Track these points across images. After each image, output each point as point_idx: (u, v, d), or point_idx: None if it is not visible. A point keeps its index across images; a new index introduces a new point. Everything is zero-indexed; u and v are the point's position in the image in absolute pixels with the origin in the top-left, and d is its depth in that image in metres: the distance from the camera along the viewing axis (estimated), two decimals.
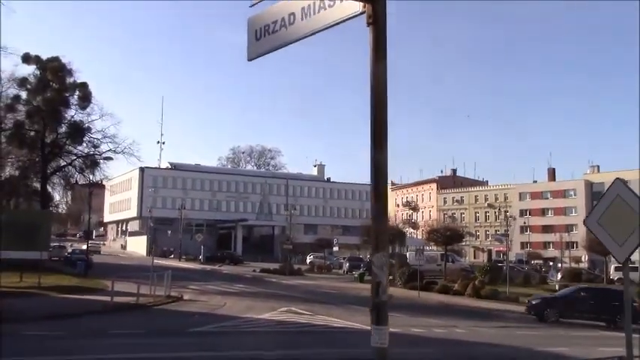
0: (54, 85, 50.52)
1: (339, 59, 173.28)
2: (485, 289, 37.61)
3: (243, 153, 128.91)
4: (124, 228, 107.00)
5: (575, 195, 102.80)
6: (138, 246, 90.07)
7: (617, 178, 7.90)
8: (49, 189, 53.10)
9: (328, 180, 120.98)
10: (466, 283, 38.46)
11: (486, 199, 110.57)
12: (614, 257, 7.86)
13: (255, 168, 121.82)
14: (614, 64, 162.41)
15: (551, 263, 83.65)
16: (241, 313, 24.05)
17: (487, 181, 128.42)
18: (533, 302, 29.66)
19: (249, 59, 4.91)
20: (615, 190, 7.79)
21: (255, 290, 36.96)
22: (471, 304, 33.66)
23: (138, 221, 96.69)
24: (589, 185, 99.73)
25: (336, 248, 72.92)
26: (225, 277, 43.00)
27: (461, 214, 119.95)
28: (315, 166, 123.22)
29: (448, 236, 48.13)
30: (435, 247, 57.08)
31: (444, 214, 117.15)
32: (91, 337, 17.69)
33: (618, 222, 7.67)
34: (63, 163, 53.17)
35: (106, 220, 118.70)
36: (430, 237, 50.16)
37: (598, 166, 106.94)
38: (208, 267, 63.10)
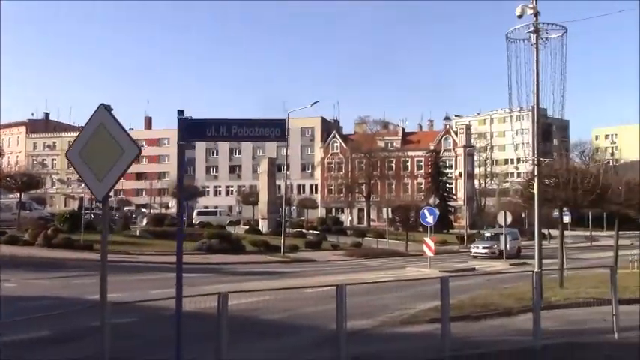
0: None
1: None
2: (58, 237, 35.46)
3: None
4: None
5: (168, 144, 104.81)
6: None
7: (102, 104, 6.97)
8: None
9: None
10: (37, 232, 35.63)
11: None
12: (92, 193, 7.00)
13: None
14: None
15: (142, 210, 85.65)
16: None
17: (82, 127, 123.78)
18: None
19: None
20: (99, 118, 6.88)
21: None
22: (40, 255, 31.27)
23: None
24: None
25: None
26: None
27: (52, 160, 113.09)
28: None
29: (25, 182, 44.02)
30: (16, 196, 51.98)
31: (34, 160, 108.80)
32: None
33: (100, 155, 6.74)
34: None
35: None
36: (3, 184, 45.14)
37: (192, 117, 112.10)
38: None
